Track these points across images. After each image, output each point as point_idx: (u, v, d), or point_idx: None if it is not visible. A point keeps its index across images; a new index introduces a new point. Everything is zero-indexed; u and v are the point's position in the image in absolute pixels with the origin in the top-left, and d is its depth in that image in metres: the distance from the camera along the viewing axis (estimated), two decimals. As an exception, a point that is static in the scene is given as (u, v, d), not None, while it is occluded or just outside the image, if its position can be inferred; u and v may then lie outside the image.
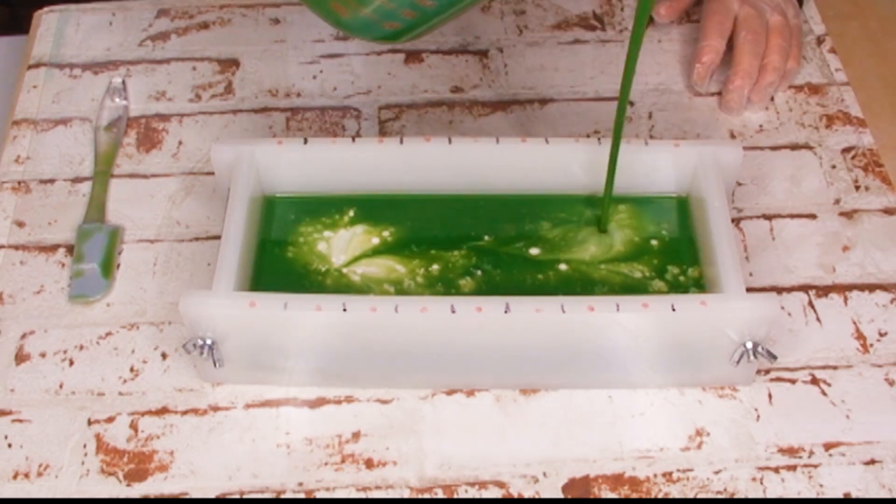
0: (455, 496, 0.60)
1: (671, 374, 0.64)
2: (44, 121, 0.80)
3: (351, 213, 0.70)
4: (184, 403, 0.64)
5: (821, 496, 0.60)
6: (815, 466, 0.61)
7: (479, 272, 0.66)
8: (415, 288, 0.66)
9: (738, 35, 0.80)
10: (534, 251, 0.68)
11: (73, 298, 0.69)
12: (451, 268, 0.67)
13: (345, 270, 0.67)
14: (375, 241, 0.68)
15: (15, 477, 0.61)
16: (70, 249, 0.72)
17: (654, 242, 0.68)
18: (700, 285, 0.66)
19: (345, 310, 0.59)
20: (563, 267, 0.67)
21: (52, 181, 0.76)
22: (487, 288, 0.66)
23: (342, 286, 0.66)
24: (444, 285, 0.66)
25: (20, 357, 0.66)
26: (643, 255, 0.67)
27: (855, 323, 0.67)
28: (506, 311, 0.59)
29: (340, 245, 0.68)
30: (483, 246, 0.68)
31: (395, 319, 0.60)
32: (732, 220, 0.70)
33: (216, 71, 0.84)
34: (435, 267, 0.67)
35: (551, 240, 0.68)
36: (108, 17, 0.88)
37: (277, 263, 0.67)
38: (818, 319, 0.68)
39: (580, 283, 0.66)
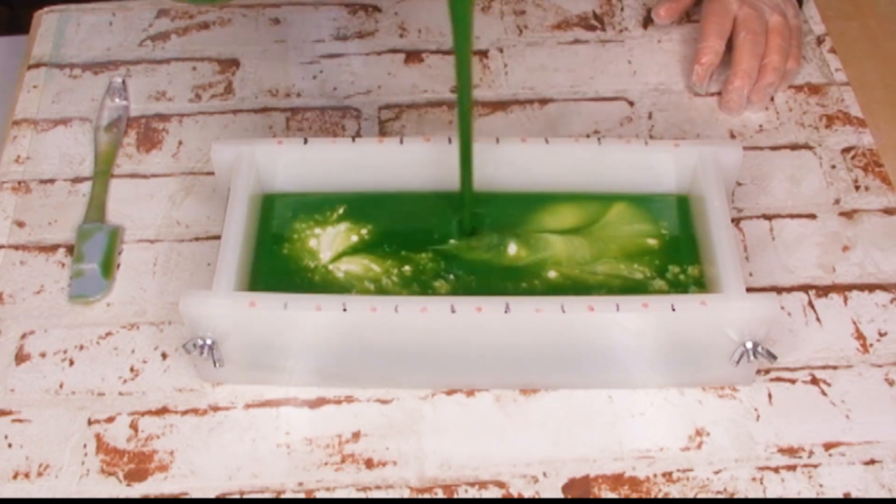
0: (455, 496, 0.60)
1: (671, 374, 0.64)
2: (44, 121, 0.80)
3: (348, 213, 0.69)
4: (184, 403, 0.64)
5: (821, 496, 0.60)
6: (815, 466, 0.61)
7: (452, 274, 0.66)
8: (392, 287, 0.65)
9: (738, 35, 0.79)
10: (533, 250, 0.68)
11: (73, 298, 0.69)
12: (424, 270, 0.66)
13: (330, 267, 0.66)
14: (367, 238, 0.68)
15: (15, 477, 0.61)
16: (70, 249, 0.72)
17: (653, 242, 0.68)
18: (700, 283, 0.66)
19: (345, 310, 0.59)
20: (561, 267, 0.67)
21: (52, 181, 0.76)
22: (486, 287, 0.66)
23: (328, 282, 0.65)
24: (420, 285, 0.65)
25: (20, 357, 0.66)
26: (642, 255, 0.67)
27: (855, 323, 0.67)
28: (506, 311, 0.59)
29: (328, 241, 0.68)
30: (479, 245, 0.68)
31: (395, 319, 0.60)
32: (732, 220, 0.70)
33: (216, 71, 0.84)
34: (407, 268, 0.66)
35: (551, 238, 0.68)
36: (108, 17, 0.88)
37: (277, 264, 0.67)
38: (818, 319, 0.68)
39: (581, 281, 0.66)
